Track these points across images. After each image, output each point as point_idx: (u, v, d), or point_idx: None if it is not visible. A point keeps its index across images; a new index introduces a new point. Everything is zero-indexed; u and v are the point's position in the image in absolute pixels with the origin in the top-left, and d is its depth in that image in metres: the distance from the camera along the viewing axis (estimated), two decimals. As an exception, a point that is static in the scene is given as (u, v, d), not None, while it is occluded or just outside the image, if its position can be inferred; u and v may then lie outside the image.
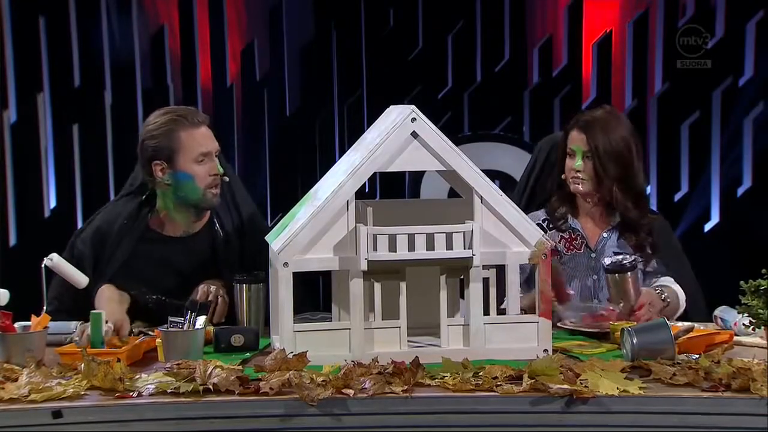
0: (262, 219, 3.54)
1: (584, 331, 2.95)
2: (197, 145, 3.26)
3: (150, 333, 2.90)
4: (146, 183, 3.36)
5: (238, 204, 3.41)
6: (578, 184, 3.36)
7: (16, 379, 2.39)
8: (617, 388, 2.33)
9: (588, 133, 3.34)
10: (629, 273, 3.01)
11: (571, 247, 3.39)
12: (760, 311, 2.65)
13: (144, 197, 3.38)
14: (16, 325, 2.68)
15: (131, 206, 3.37)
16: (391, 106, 2.78)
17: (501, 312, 2.83)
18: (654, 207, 3.76)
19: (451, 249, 2.63)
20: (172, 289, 3.21)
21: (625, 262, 3.03)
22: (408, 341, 2.67)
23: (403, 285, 2.66)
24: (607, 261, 3.07)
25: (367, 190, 4.85)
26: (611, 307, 3.03)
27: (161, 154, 3.26)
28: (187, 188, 3.26)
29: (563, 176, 3.40)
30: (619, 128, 3.36)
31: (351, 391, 2.33)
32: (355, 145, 2.83)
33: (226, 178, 3.33)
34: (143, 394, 2.34)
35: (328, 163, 3.19)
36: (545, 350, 2.67)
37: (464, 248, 2.63)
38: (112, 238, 3.29)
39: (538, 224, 3.29)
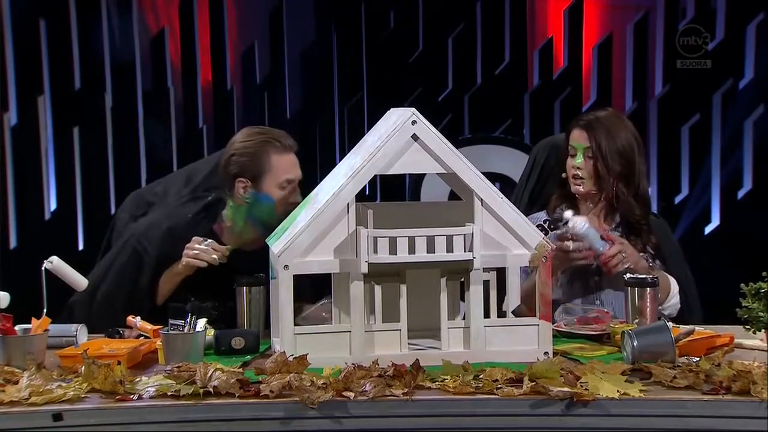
0: None
1: (576, 333, 2.94)
2: (285, 171, 3.28)
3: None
4: (212, 187, 3.39)
5: None
6: (579, 185, 3.36)
7: (16, 382, 2.39)
8: (618, 391, 2.33)
9: (590, 131, 3.34)
10: (648, 289, 2.98)
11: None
12: (761, 314, 2.65)
13: (209, 199, 3.40)
14: (17, 327, 2.67)
15: (196, 207, 3.40)
16: (392, 109, 2.78)
17: (502, 314, 2.82)
18: (654, 209, 3.76)
19: (452, 251, 2.63)
20: (209, 293, 3.21)
21: (646, 277, 3.02)
22: (408, 344, 2.67)
23: (403, 287, 2.66)
24: (627, 275, 3.06)
25: (367, 192, 4.85)
26: (605, 310, 3.03)
27: (247, 172, 3.28)
28: (265, 210, 3.27)
29: (564, 175, 3.41)
30: (622, 128, 3.37)
31: (351, 394, 2.33)
32: (355, 147, 2.83)
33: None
34: (144, 396, 2.33)
35: (329, 165, 3.20)
36: (546, 353, 2.67)
37: (464, 251, 2.63)
38: (179, 235, 3.31)
39: (539, 225, 3.31)
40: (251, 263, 3.15)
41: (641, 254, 3.31)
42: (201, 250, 3.20)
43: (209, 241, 3.22)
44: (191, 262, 3.22)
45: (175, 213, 3.41)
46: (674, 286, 3.33)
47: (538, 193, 3.57)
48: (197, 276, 3.25)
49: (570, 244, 3.15)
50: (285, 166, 3.29)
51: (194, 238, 3.24)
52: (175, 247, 3.28)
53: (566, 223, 3.17)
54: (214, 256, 3.20)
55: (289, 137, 3.36)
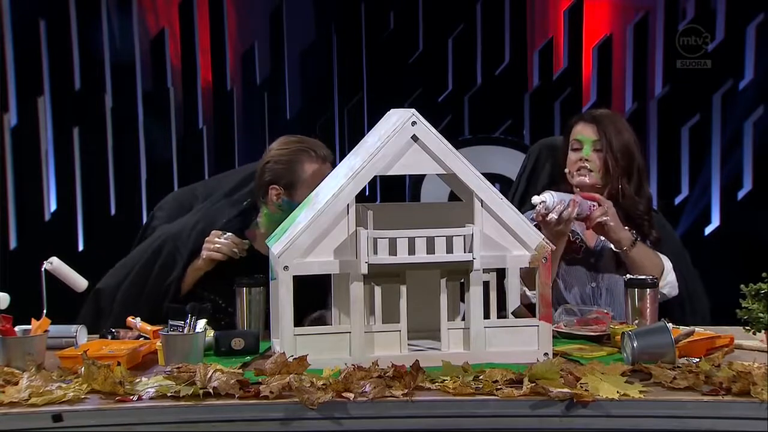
0: None
1: (576, 334, 2.94)
2: (318, 181, 3.26)
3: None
4: (251, 192, 3.41)
5: None
6: (585, 175, 3.35)
7: (16, 383, 2.39)
8: (617, 392, 2.33)
9: (598, 125, 3.35)
10: (649, 290, 2.98)
11: (570, 250, 3.38)
12: (761, 315, 2.65)
13: (245, 205, 3.41)
14: (17, 328, 2.67)
15: (232, 211, 3.42)
16: (392, 110, 2.78)
17: (502, 315, 2.82)
18: (654, 206, 3.75)
19: (452, 252, 2.63)
20: (233, 294, 3.22)
21: (646, 278, 3.02)
22: (408, 344, 2.67)
23: (403, 288, 2.66)
24: (628, 276, 3.06)
25: (367, 193, 4.85)
26: (605, 311, 3.03)
27: (281, 180, 3.30)
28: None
29: (566, 170, 3.40)
30: (623, 126, 3.39)
31: (351, 395, 2.33)
32: (355, 148, 2.83)
33: None
34: (143, 397, 2.34)
35: (329, 166, 3.21)
36: (546, 354, 2.67)
37: (464, 252, 2.63)
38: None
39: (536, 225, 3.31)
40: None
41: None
42: (222, 244, 3.23)
43: (228, 234, 3.25)
44: (212, 256, 3.25)
45: (210, 216, 3.43)
46: (666, 263, 3.34)
47: (532, 193, 3.56)
48: (219, 273, 3.28)
49: (554, 216, 3.13)
50: (318, 175, 3.26)
51: (213, 231, 3.28)
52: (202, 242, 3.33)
53: (536, 206, 3.16)
54: (235, 250, 3.23)
55: (325, 147, 3.38)
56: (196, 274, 3.33)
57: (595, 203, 3.23)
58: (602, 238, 3.38)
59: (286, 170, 3.30)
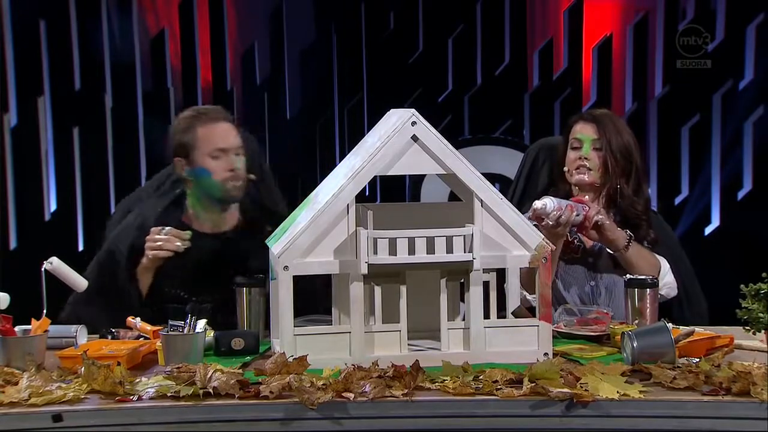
0: None
1: (576, 334, 2.94)
2: (212, 141, 3.33)
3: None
4: (178, 181, 3.45)
5: (267, 207, 3.45)
6: (584, 173, 3.36)
7: (16, 383, 2.39)
8: (617, 392, 2.33)
9: (598, 124, 3.37)
10: (649, 290, 2.98)
11: (568, 250, 3.38)
12: (761, 315, 2.65)
13: (177, 192, 3.44)
14: (17, 328, 2.67)
15: (164, 202, 3.44)
16: (392, 110, 2.78)
17: (502, 315, 2.82)
18: (654, 207, 3.76)
19: (452, 252, 2.63)
20: (194, 284, 3.23)
21: (646, 278, 3.02)
22: (408, 345, 2.67)
23: (403, 288, 2.66)
24: (627, 276, 3.06)
25: (367, 193, 4.85)
26: (605, 311, 3.03)
27: (181, 150, 3.35)
28: (206, 183, 3.33)
29: (565, 169, 3.40)
30: (622, 127, 3.40)
31: (351, 395, 2.33)
32: (355, 148, 2.83)
33: (252, 176, 3.36)
34: (143, 397, 2.33)
35: (329, 166, 3.20)
36: (546, 354, 2.67)
37: (464, 252, 2.63)
38: (149, 228, 3.33)
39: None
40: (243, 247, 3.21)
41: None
42: (162, 240, 3.24)
43: (167, 228, 3.27)
44: (157, 255, 3.26)
45: (146, 212, 3.45)
46: (664, 264, 3.34)
47: (530, 193, 3.57)
48: (192, 270, 3.30)
49: (549, 222, 3.14)
50: (211, 135, 3.33)
51: (152, 229, 3.29)
52: (141, 238, 3.33)
53: (534, 212, 3.17)
54: (178, 244, 3.25)
55: (222, 110, 3.42)
56: (146, 273, 3.32)
57: (585, 205, 3.23)
58: None
59: (182, 139, 3.34)
